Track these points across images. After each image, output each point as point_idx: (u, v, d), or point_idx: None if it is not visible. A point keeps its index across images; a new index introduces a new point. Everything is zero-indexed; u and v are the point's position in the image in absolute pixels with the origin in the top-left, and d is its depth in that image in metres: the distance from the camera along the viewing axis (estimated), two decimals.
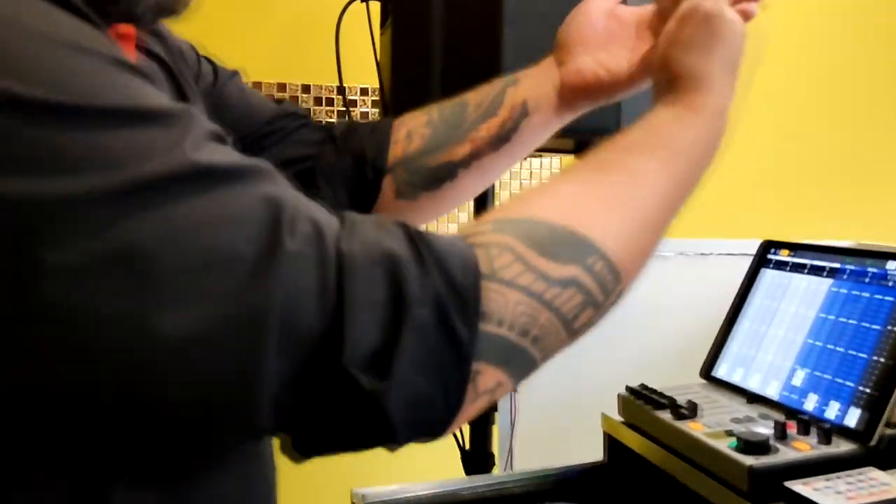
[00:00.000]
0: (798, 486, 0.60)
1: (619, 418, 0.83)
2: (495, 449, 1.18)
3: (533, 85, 0.72)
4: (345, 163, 0.71)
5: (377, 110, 1.77)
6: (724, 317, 0.90)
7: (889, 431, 0.65)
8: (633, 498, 0.80)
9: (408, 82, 1.08)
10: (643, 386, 0.82)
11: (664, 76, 0.58)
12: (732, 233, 1.26)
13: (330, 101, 1.76)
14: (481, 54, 0.99)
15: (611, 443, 0.84)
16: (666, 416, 0.74)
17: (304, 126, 0.74)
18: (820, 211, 1.97)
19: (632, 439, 0.79)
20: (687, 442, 0.70)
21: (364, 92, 1.78)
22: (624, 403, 0.82)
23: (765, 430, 0.68)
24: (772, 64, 1.94)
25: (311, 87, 1.74)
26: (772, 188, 1.94)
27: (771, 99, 1.87)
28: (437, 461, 1.26)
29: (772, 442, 0.65)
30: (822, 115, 1.99)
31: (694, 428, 0.70)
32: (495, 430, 1.17)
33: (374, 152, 0.71)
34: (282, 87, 1.74)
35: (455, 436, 1.22)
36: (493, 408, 1.19)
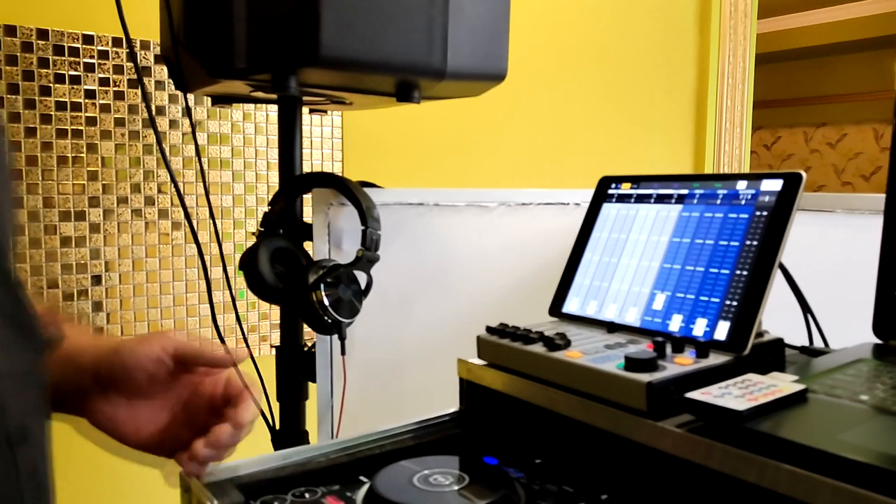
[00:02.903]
0: (698, 395, 0.58)
1: (478, 361, 0.77)
2: (312, 426, 1.07)
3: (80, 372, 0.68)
4: None
5: (132, 65, 1.55)
6: (548, 261, 0.89)
7: (756, 340, 0.67)
8: (503, 440, 0.75)
9: (205, 7, 0.94)
10: (503, 325, 0.77)
11: None
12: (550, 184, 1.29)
13: (74, 51, 1.51)
14: None
15: (469, 388, 0.78)
16: (539, 349, 0.70)
17: None
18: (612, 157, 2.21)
19: (495, 380, 0.74)
20: (569, 371, 0.66)
21: (117, 42, 1.55)
22: (485, 345, 0.76)
23: (642, 349, 0.67)
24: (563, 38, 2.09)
25: (50, 33, 1.48)
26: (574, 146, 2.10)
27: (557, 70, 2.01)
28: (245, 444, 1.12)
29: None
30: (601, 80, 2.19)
31: (573, 356, 0.67)
32: (312, 404, 1.06)
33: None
34: (11, 30, 1.45)
35: (264, 415, 1.09)
36: (304, 377, 1.08)
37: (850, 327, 0.79)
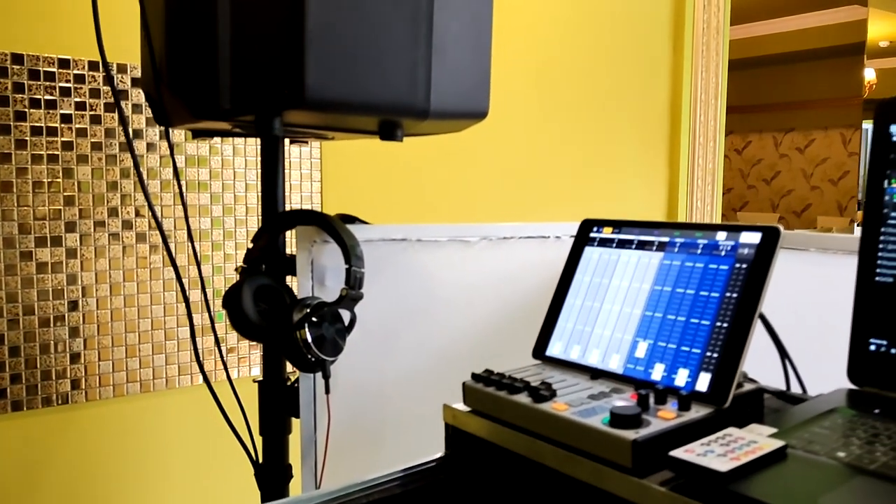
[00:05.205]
0: (682, 454, 0.60)
1: (463, 407, 0.78)
2: (296, 460, 1.07)
3: None
4: None
5: (108, 89, 1.54)
6: (529, 293, 0.90)
7: (736, 391, 0.69)
8: (489, 487, 0.76)
9: (188, 47, 0.94)
10: (488, 371, 0.78)
11: None
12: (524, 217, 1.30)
13: (49, 76, 1.49)
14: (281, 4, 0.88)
15: (454, 434, 0.79)
16: (524, 399, 0.71)
17: None
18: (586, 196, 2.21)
19: (480, 428, 0.75)
20: (555, 424, 0.67)
21: (94, 66, 1.53)
22: (470, 392, 0.77)
23: (626, 402, 0.68)
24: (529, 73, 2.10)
25: (25, 58, 1.46)
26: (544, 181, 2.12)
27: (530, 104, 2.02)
28: (230, 476, 1.12)
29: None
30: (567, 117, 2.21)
31: (559, 409, 0.68)
32: (296, 439, 1.07)
33: None
34: None
35: (246, 448, 1.09)
36: (287, 412, 1.08)
37: (823, 367, 0.81)
